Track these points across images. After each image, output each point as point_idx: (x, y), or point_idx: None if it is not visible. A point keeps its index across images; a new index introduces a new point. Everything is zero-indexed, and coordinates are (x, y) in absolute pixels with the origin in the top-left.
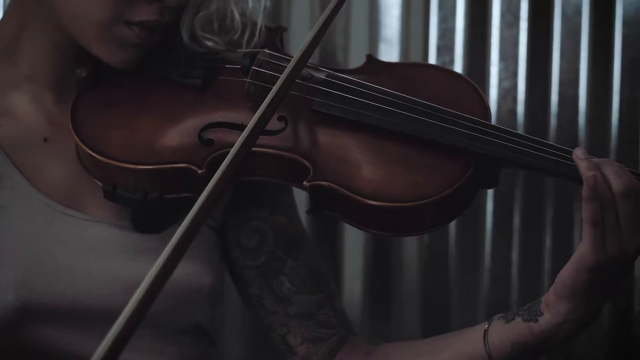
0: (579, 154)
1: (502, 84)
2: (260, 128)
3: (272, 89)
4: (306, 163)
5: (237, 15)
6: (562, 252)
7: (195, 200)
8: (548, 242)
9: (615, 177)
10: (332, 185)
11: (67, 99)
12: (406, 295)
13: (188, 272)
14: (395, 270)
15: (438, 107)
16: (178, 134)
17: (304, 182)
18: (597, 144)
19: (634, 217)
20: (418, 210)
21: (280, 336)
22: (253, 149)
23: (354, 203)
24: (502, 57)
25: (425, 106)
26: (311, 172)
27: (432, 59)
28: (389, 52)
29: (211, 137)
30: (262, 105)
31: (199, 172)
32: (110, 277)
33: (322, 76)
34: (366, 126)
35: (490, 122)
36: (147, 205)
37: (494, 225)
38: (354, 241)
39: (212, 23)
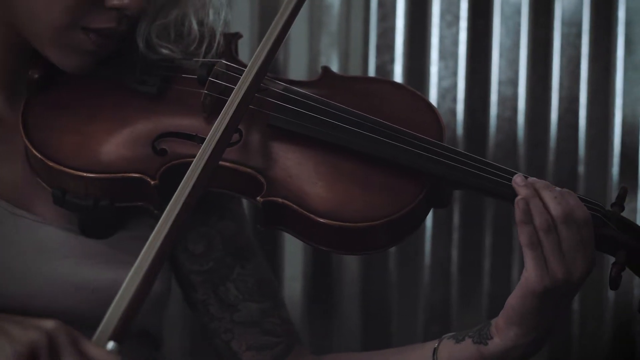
0: (518, 180)
1: (442, 83)
2: (224, 142)
3: (231, 103)
4: (260, 178)
5: (195, 25)
6: (502, 251)
7: (146, 209)
8: (488, 241)
9: (554, 202)
10: (285, 202)
11: (18, 100)
12: (346, 295)
13: None
14: (335, 270)
15: (395, 126)
16: (131, 142)
17: (258, 198)
18: (536, 143)
19: (577, 241)
20: (371, 231)
21: (225, 342)
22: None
23: (306, 221)
24: (442, 56)
25: (382, 125)
26: (265, 187)
27: (372, 58)
28: (329, 51)
29: (164, 147)
30: (223, 119)
31: (152, 183)
32: (59, 279)
33: (279, 89)
34: (322, 143)
35: (445, 142)
36: (96, 213)
37: (434, 224)
38: (294, 242)
39: (169, 32)
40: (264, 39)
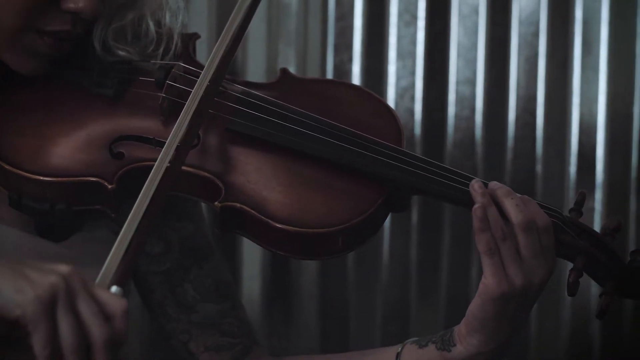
0: (476, 187)
1: (400, 82)
2: (186, 147)
3: (189, 107)
4: (218, 183)
5: (152, 27)
6: (460, 250)
7: (103, 212)
8: (446, 240)
9: (516, 210)
10: (244, 207)
11: None
12: (305, 295)
13: (94, 278)
14: (294, 269)
15: (354, 131)
16: (88, 146)
17: (216, 203)
18: (494, 142)
19: (537, 248)
20: (329, 237)
21: (182, 343)
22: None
23: (264, 226)
24: (400, 55)
25: (342, 130)
26: (223, 192)
27: (330, 57)
28: (287, 50)
29: (122, 151)
30: (182, 123)
31: (109, 187)
32: None
33: (237, 93)
34: (281, 148)
35: (404, 146)
36: (53, 216)
37: (393, 223)
38: (252, 242)
39: (125, 33)
40: (218, 41)
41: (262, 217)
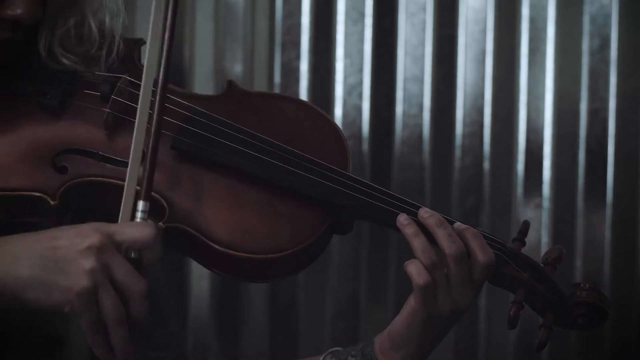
0: (401, 220)
1: (348, 80)
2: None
3: (139, 129)
4: (162, 202)
5: (94, 28)
6: (408, 249)
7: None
8: (394, 237)
9: (447, 241)
10: (187, 228)
11: None
12: (254, 293)
13: None
14: None
15: (302, 154)
16: (30, 158)
17: (160, 223)
18: (442, 140)
19: (466, 277)
20: (273, 262)
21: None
22: (105, 180)
23: (208, 249)
24: (348, 53)
25: (289, 152)
26: (167, 212)
27: (278, 55)
28: (234, 49)
29: (65, 164)
30: (136, 147)
31: (52, 203)
32: None
33: (183, 110)
34: (227, 168)
35: (350, 166)
36: None
37: None
38: None
39: (70, 37)
40: (146, 56)
41: (205, 240)
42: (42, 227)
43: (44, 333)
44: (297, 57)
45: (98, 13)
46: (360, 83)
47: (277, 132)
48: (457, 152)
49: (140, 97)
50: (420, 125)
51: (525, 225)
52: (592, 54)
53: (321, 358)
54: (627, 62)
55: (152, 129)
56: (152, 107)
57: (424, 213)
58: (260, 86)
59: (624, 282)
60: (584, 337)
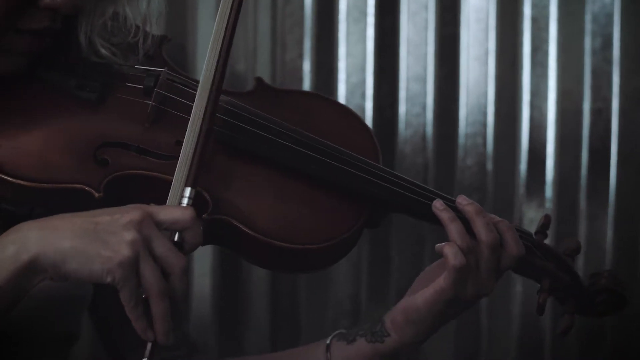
0: (437, 205)
1: (351, 79)
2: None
3: (194, 121)
4: (206, 195)
5: (130, 16)
6: (411, 246)
7: None
8: (397, 236)
9: (485, 230)
10: (231, 220)
11: None
12: (256, 291)
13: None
14: (244, 266)
15: (339, 148)
16: (71, 151)
17: (203, 215)
18: (445, 139)
19: (495, 265)
20: (313, 252)
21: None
22: (145, 173)
23: (250, 240)
24: (350, 52)
25: (327, 146)
26: (210, 205)
27: (280, 55)
28: (237, 47)
29: (106, 157)
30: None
31: (96, 195)
32: None
33: (223, 103)
34: (268, 161)
35: (381, 163)
36: (29, 219)
37: None
38: None
39: (107, 27)
40: (209, 49)
41: (249, 231)
42: None
43: (53, 332)
44: (300, 56)
45: (132, 1)
46: (362, 82)
47: (311, 126)
48: (460, 152)
49: (199, 90)
50: (423, 125)
51: (547, 219)
52: (594, 53)
53: (327, 341)
54: (629, 61)
55: (202, 120)
56: (208, 107)
57: (463, 200)
58: None
59: (627, 281)
60: (585, 335)
